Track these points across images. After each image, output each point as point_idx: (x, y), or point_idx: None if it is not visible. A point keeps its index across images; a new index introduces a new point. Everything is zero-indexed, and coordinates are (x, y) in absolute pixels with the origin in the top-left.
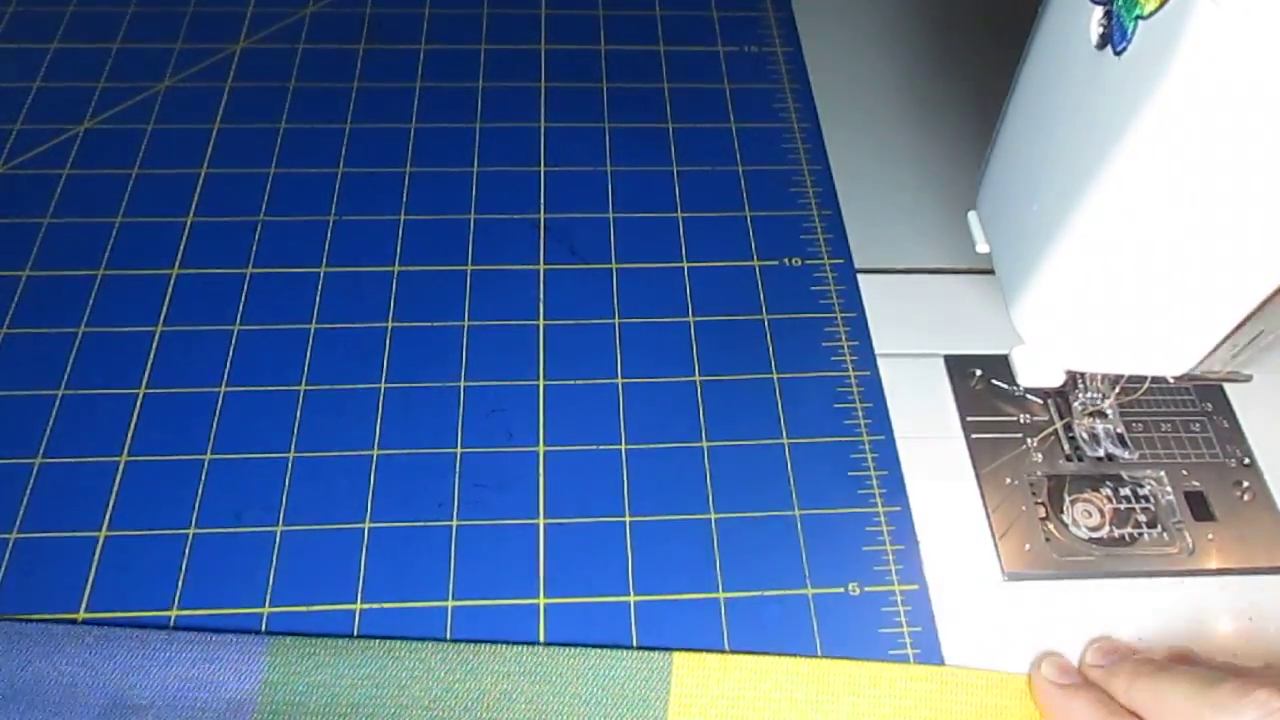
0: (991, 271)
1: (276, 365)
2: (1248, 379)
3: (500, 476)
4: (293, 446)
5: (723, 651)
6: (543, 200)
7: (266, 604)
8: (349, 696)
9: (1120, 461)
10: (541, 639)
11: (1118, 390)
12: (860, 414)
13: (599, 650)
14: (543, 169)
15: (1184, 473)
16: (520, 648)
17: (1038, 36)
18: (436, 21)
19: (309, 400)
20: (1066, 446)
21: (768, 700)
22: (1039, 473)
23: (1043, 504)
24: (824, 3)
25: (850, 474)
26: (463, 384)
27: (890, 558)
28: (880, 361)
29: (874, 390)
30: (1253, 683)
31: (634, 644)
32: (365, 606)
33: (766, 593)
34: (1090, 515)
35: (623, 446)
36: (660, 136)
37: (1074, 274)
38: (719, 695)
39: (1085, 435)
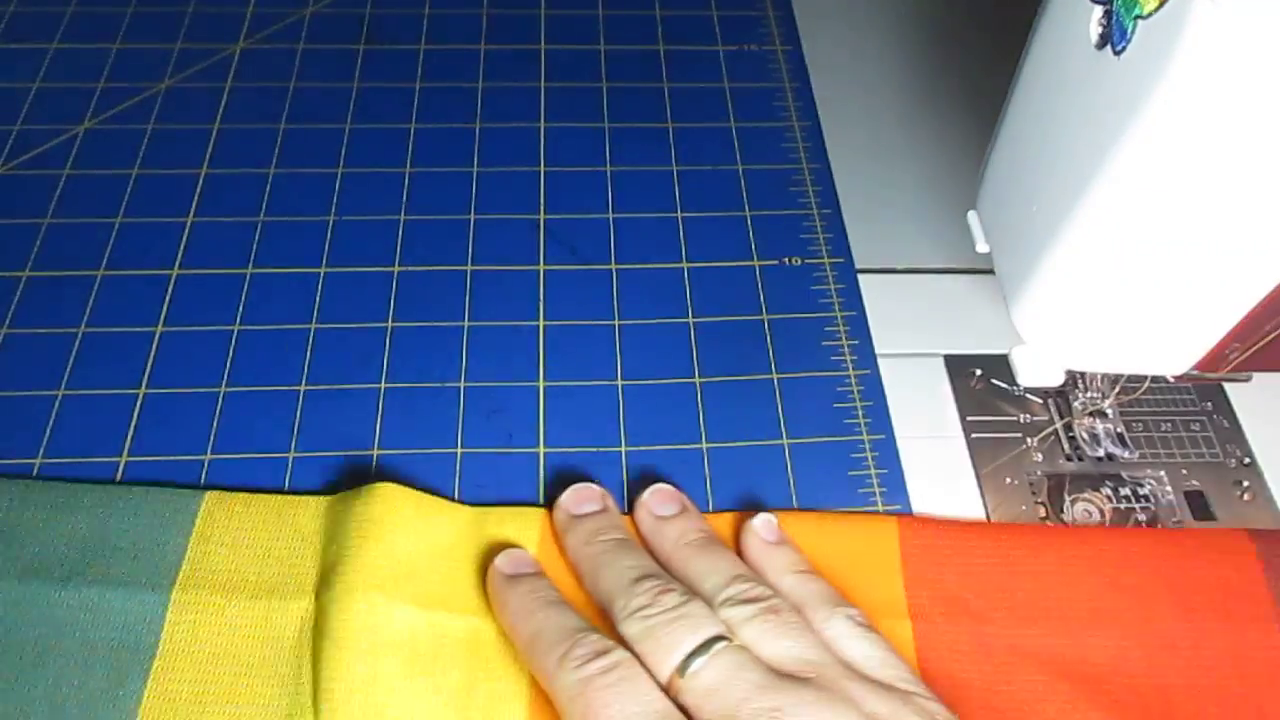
0: (991, 271)
1: (276, 365)
2: (1248, 379)
3: (500, 477)
4: (293, 447)
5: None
6: (543, 200)
7: None
8: None
9: (1120, 461)
10: None
11: (1118, 390)
12: (860, 414)
13: (133, 486)
14: (543, 169)
15: (1184, 472)
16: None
17: (1037, 36)
18: (436, 21)
19: (309, 400)
20: (1066, 446)
21: (283, 535)
22: (1039, 472)
23: (1043, 504)
24: (824, 2)
25: (850, 474)
26: (463, 384)
27: None
28: (880, 361)
29: (874, 390)
30: (663, 586)
31: None
32: None
33: None
34: (1090, 515)
35: (623, 448)
36: (660, 136)
37: (1074, 273)
38: (240, 527)
39: (1085, 435)
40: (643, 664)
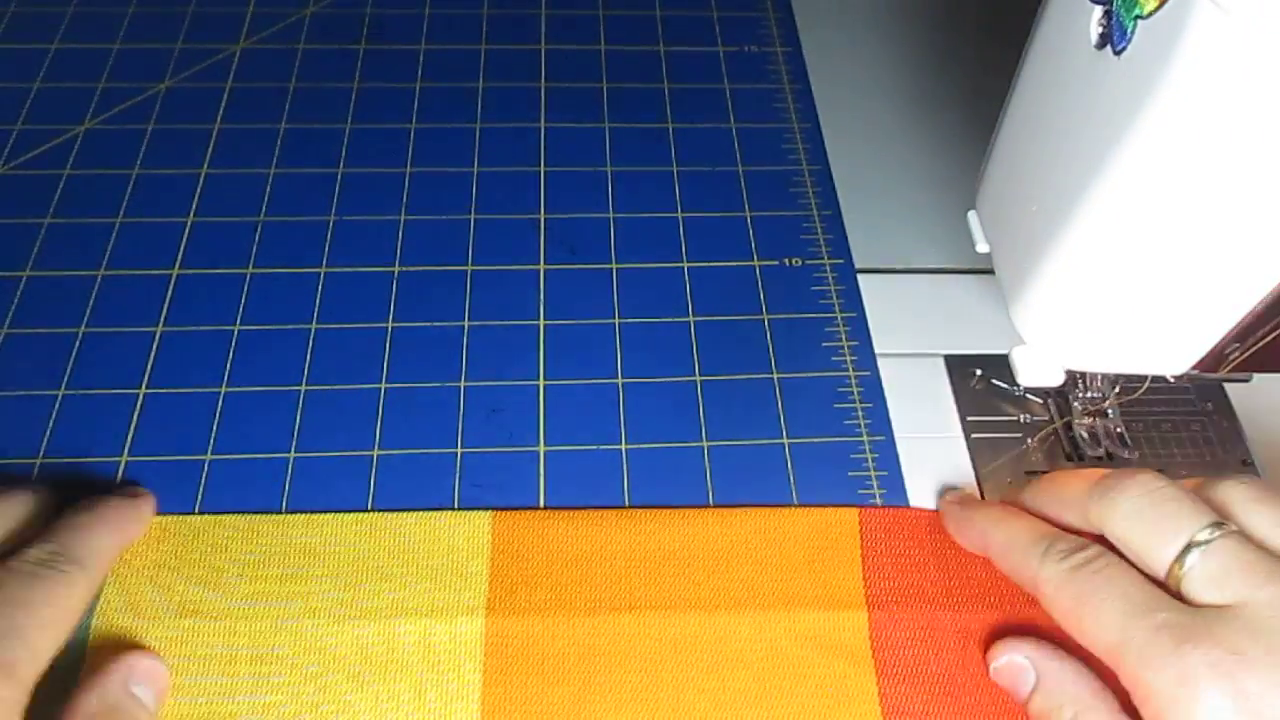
0: (991, 271)
1: (276, 365)
2: (1248, 379)
3: (500, 477)
4: (293, 447)
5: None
6: (543, 200)
7: None
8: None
9: (1120, 461)
10: None
11: (1118, 390)
12: (860, 414)
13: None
14: (543, 169)
15: (1184, 473)
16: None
17: (1037, 36)
18: (436, 21)
19: (309, 400)
20: (1067, 446)
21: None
22: (1039, 472)
23: None
24: (824, 3)
25: (850, 474)
26: (463, 384)
27: None
28: (880, 361)
29: (874, 390)
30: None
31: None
32: None
33: None
34: None
35: (623, 447)
36: (660, 136)
37: (1074, 274)
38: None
39: (1085, 435)
40: (1128, 559)
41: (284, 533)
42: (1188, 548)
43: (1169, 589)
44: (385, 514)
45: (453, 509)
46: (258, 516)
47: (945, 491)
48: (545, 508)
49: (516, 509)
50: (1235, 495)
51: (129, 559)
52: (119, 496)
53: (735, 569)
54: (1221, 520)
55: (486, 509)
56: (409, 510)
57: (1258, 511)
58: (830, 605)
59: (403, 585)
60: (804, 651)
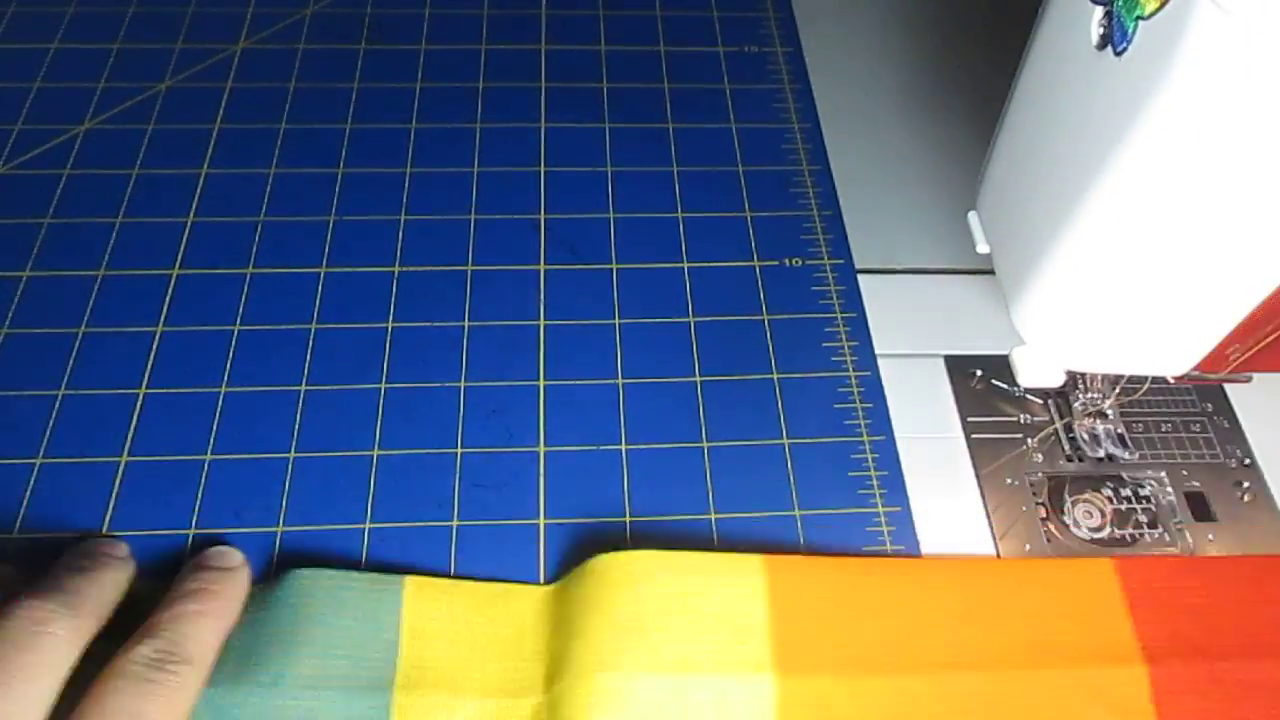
0: (992, 271)
1: (276, 365)
2: (1248, 379)
3: (500, 477)
4: (293, 447)
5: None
6: (543, 200)
7: None
8: None
9: (1121, 462)
10: None
11: (1118, 391)
12: (860, 414)
13: (324, 571)
14: (543, 169)
15: (1184, 473)
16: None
17: (1038, 37)
18: (436, 21)
19: (309, 400)
20: (1067, 447)
21: (502, 627)
22: (1040, 473)
23: (1043, 504)
24: (824, 3)
25: (850, 474)
26: (463, 384)
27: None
28: (880, 361)
29: (874, 390)
30: None
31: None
32: None
33: None
34: (1091, 516)
35: (623, 447)
36: (660, 136)
37: (1074, 274)
38: (450, 618)
39: (1086, 436)
40: None
41: (542, 602)
42: None
43: None
44: (649, 553)
45: (719, 548)
46: (519, 588)
47: None
48: (810, 553)
49: (785, 553)
50: None
51: (418, 625)
52: (212, 571)
53: (1008, 622)
54: None
55: (756, 552)
56: (667, 549)
57: None
58: (1107, 661)
59: (682, 638)
60: (1088, 710)
